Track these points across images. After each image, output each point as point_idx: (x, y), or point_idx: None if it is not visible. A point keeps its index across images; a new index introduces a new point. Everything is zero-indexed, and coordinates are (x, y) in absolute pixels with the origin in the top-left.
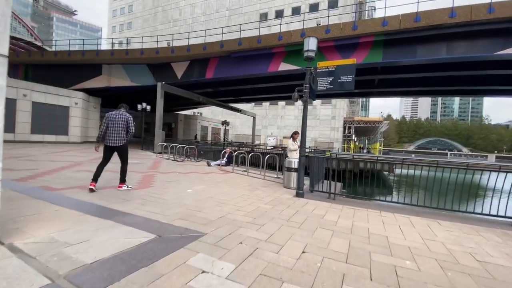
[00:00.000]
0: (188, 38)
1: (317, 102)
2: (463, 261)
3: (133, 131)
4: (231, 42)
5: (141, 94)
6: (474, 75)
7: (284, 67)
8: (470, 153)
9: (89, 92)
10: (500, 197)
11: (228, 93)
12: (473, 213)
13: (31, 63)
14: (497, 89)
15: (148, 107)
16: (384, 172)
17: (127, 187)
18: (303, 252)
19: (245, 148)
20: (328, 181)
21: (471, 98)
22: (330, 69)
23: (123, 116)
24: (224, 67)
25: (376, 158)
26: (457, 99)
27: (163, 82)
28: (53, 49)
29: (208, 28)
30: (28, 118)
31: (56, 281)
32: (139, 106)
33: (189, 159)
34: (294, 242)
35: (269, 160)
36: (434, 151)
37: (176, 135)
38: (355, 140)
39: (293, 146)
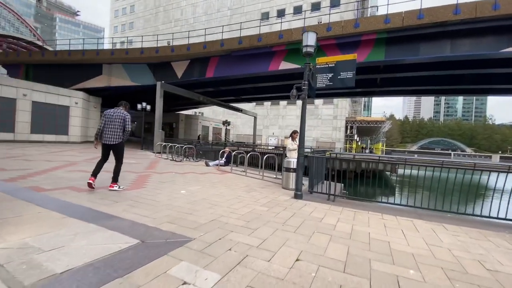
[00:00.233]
0: (188, 37)
1: (318, 101)
2: (471, 270)
3: (130, 130)
4: (231, 41)
5: (141, 93)
6: (479, 73)
7: (285, 66)
8: (474, 153)
9: (90, 91)
10: (509, 199)
11: (229, 93)
12: (480, 216)
13: (32, 63)
14: (502, 88)
15: (148, 107)
16: (387, 172)
17: (119, 187)
18: (297, 260)
19: (244, 148)
20: (328, 182)
21: (474, 98)
22: (329, 65)
23: (121, 114)
24: (225, 66)
25: (378, 158)
26: (460, 99)
27: (163, 82)
28: (57, 49)
29: (209, 27)
30: (28, 117)
31: None
32: (139, 106)
33: (187, 159)
34: (288, 249)
35: (270, 160)
36: (437, 152)
37: (177, 135)
38: (357, 140)
39: (292, 146)
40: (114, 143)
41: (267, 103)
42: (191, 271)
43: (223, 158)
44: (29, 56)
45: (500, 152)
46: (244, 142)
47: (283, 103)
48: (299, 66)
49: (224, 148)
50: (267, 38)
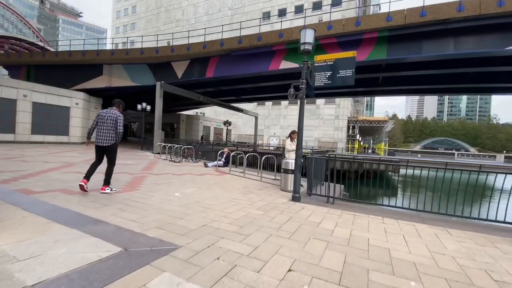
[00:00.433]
0: (188, 37)
1: (320, 101)
2: (478, 281)
3: (122, 131)
4: (231, 40)
5: (142, 94)
6: (483, 71)
7: (285, 65)
8: (478, 153)
9: (90, 92)
10: None
11: (230, 93)
12: (486, 220)
13: (33, 64)
14: (507, 86)
15: (149, 107)
16: (389, 173)
17: (111, 190)
18: (289, 270)
19: (243, 148)
20: (327, 184)
21: (478, 97)
22: (328, 63)
23: (112, 115)
24: (225, 66)
25: (378, 158)
26: (464, 98)
27: (162, 82)
28: (59, 50)
29: (210, 27)
30: (29, 118)
31: None
32: (139, 106)
33: (186, 160)
34: (281, 257)
35: (270, 161)
36: (440, 151)
37: (178, 136)
38: (360, 140)
39: (291, 146)
40: (106, 144)
41: (269, 103)
42: (173, 284)
43: (222, 159)
44: (30, 57)
45: (504, 151)
46: (246, 142)
47: (284, 103)
48: (300, 66)
49: (223, 149)
50: (267, 37)
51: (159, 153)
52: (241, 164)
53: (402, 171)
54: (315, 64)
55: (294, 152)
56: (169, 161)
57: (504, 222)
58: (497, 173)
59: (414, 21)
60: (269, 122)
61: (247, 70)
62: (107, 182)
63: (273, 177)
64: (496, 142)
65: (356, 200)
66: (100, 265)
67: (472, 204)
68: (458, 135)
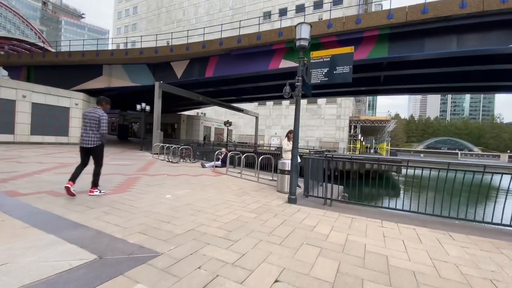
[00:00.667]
0: (187, 37)
1: (321, 101)
2: None
3: (105, 131)
4: (230, 40)
5: (142, 94)
6: (486, 69)
7: (285, 64)
8: (481, 152)
9: (90, 92)
10: None
11: (230, 93)
12: (491, 223)
13: (33, 65)
14: (511, 85)
15: (148, 108)
16: (392, 173)
17: (100, 192)
18: (276, 281)
19: (241, 148)
20: (324, 185)
21: (482, 96)
22: (325, 59)
23: (95, 114)
24: (224, 65)
25: (377, 158)
26: (467, 98)
27: (161, 82)
28: (61, 50)
29: (210, 26)
30: (28, 119)
31: None
32: (138, 106)
33: (184, 160)
34: (268, 266)
35: (268, 161)
36: (444, 151)
37: (179, 136)
38: (361, 140)
39: (288, 146)
40: (90, 146)
41: (269, 103)
42: None
43: (220, 159)
44: (30, 58)
45: (508, 151)
46: (247, 143)
47: (285, 102)
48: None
49: (221, 149)
50: (267, 36)
51: (157, 154)
52: (239, 164)
53: (405, 171)
54: (311, 61)
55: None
56: (167, 161)
57: (510, 225)
58: (502, 173)
59: (415, 18)
60: (270, 122)
61: (247, 69)
62: (95, 184)
63: (270, 178)
64: (500, 142)
65: (354, 202)
66: (69, 275)
67: (477, 206)
68: (462, 135)
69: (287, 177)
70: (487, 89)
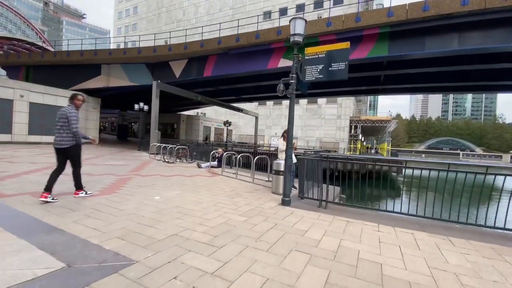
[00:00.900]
0: (185, 36)
1: (322, 101)
2: None
3: (76, 130)
4: (229, 38)
5: (141, 94)
6: (489, 69)
7: (284, 63)
8: (483, 153)
9: (89, 92)
10: None
11: (229, 92)
12: (494, 227)
13: (32, 65)
14: None
15: (146, 107)
16: (393, 173)
17: (86, 193)
18: None
19: (239, 148)
20: (319, 186)
21: (484, 96)
22: (319, 56)
23: (64, 112)
24: (223, 64)
25: (373, 159)
26: (469, 98)
27: (159, 81)
28: (62, 50)
29: (209, 25)
30: (26, 119)
31: None
32: (136, 106)
33: (180, 161)
34: (251, 276)
35: (264, 162)
36: (445, 151)
37: (178, 136)
38: (362, 140)
39: (283, 146)
40: (61, 146)
41: (270, 103)
42: None
43: (216, 160)
44: (29, 58)
45: (511, 151)
46: (247, 143)
47: (285, 102)
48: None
49: (217, 149)
50: (265, 35)
51: (154, 154)
52: (237, 165)
53: (406, 171)
54: (305, 57)
55: None
56: (163, 162)
57: None
58: (506, 175)
59: (416, 16)
60: (270, 122)
61: (246, 68)
62: (78, 186)
63: (266, 179)
64: (502, 142)
65: (351, 204)
66: (31, 286)
67: (478, 209)
68: (463, 135)
69: (282, 178)
70: (489, 88)
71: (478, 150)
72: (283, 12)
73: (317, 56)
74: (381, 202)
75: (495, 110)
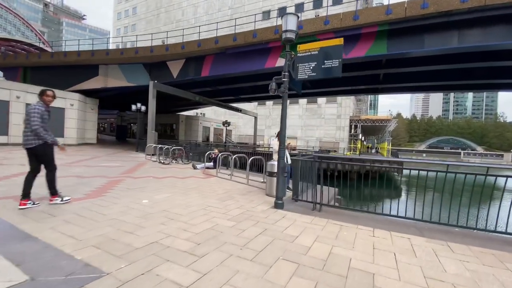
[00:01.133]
0: (183, 35)
1: (321, 100)
2: None
3: (35, 127)
4: (226, 38)
5: (140, 94)
6: (489, 66)
7: (282, 62)
8: (484, 152)
9: (87, 93)
10: None
11: (227, 92)
12: (495, 231)
13: (29, 66)
14: None
15: (144, 108)
16: (394, 173)
17: (62, 199)
18: None
19: (238, 149)
20: (313, 188)
21: (485, 95)
22: (312, 53)
23: (28, 109)
24: (220, 64)
25: (369, 160)
26: (470, 97)
27: (155, 81)
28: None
29: (207, 24)
30: (22, 120)
31: None
32: (133, 107)
33: (176, 161)
34: None
35: (260, 162)
36: (446, 151)
37: (177, 136)
38: (362, 139)
39: (277, 146)
40: (28, 146)
41: (269, 103)
42: None
43: (211, 160)
44: (26, 59)
45: None
46: (247, 143)
47: None
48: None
49: (213, 150)
50: (262, 34)
51: (151, 155)
52: (235, 166)
53: (406, 171)
54: (298, 55)
55: None
56: (158, 163)
57: None
58: (507, 177)
59: (415, 13)
60: (270, 122)
61: (243, 68)
62: (53, 192)
63: (261, 180)
64: (503, 141)
65: (346, 207)
66: None
67: (479, 212)
68: (464, 134)
69: (275, 180)
70: (490, 87)
71: (479, 149)
72: (282, 11)
73: (309, 53)
74: (378, 204)
75: (496, 108)
